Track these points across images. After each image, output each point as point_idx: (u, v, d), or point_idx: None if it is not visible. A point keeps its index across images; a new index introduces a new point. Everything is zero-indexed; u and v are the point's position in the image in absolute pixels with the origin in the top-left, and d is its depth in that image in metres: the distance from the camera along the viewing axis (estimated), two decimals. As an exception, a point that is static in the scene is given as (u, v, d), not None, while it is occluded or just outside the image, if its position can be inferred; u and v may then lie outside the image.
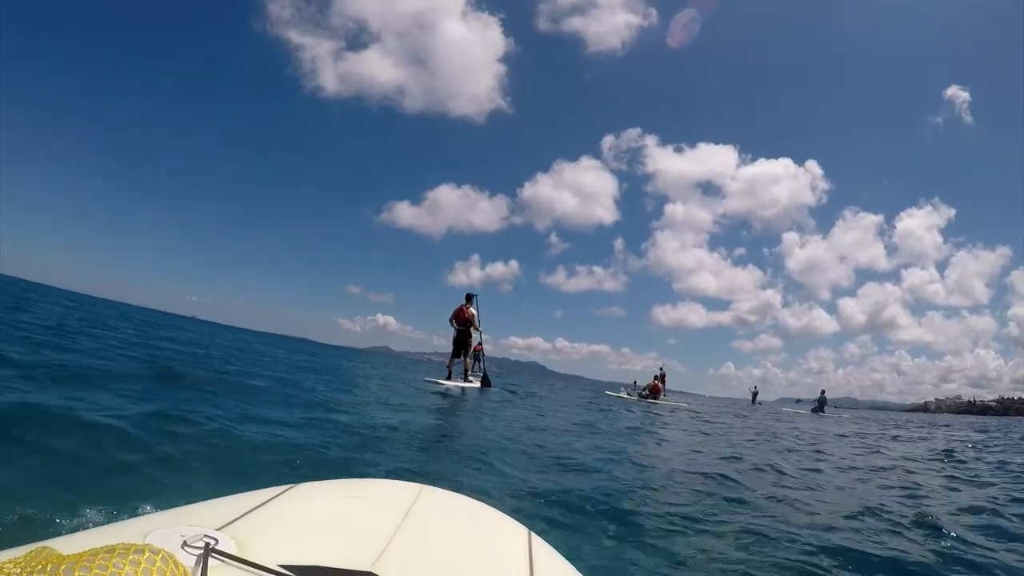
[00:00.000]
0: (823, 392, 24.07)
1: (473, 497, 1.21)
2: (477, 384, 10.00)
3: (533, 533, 1.05)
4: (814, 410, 23.27)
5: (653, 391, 16.69)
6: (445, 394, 7.65)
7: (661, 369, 17.42)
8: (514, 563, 0.91)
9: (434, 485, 1.20)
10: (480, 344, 11.79)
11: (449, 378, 9.54)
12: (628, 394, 17.07)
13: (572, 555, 1.09)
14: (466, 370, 10.01)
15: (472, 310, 9.62)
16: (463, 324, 9.57)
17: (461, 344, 9.65)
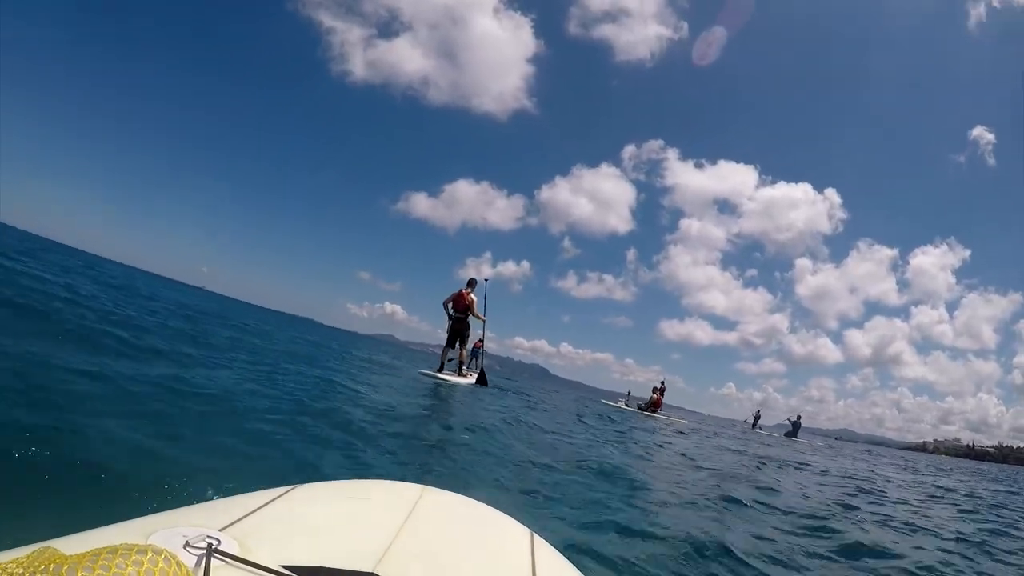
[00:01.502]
0: (798, 417, 23.79)
1: (475, 498, 1.21)
2: (472, 380, 9.20)
3: (535, 534, 1.05)
4: (787, 434, 23.18)
5: (655, 405, 16.10)
6: (436, 388, 7.10)
7: (662, 383, 16.79)
8: (517, 564, 0.90)
9: (433, 487, 1.21)
10: (482, 340, 10.90)
11: (441, 370, 8.83)
12: (627, 405, 16.51)
13: (575, 555, 1.09)
14: (461, 363, 9.13)
15: (474, 296, 8.75)
16: (462, 311, 8.74)
17: (458, 333, 8.82)
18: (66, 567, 0.46)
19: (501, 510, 1.16)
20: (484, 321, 9.23)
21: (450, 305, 8.78)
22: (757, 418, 26.05)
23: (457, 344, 8.86)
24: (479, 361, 11.55)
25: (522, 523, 1.11)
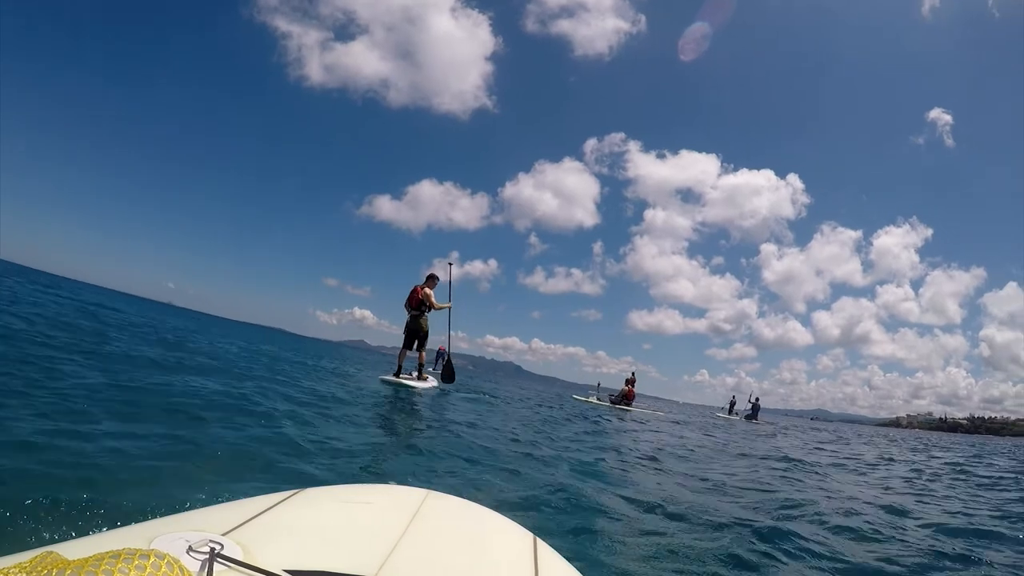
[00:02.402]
0: (757, 399, 23.76)
1: (478, 502, 1.21)
2: (433, 383, 8.57)
3: (538, 538, 1.05)
4: (747, 417, 23.08)
5: (627, 397, 15.75)
6: (395, 398, 6.37)
7: (632, 374, 16.32)
8: (520, 568, 0.90)
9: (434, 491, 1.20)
10: (446, 346, 9.92)
11: (398, 374, 8.19)
12: (598, 399, 16.07)
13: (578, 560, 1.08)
14: (420, 365, 8.50)
15: (428, 291, 8.14)
16: (416, 308, 8.17)
17: (414, 333, 8.19)
18: (68, 572, 0.46)
19: (505, 515, 1.15)
20: (449, 308, 8.55)
21: (407, 306, 8.30)
22: (732, 404, 25.96)
23: (415, 345, 8.27)
24: (441, 361, 10.50)
25: (526, 528, 1.11)
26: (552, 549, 1.03)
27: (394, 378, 8.02)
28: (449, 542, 0.98)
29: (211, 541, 0.71)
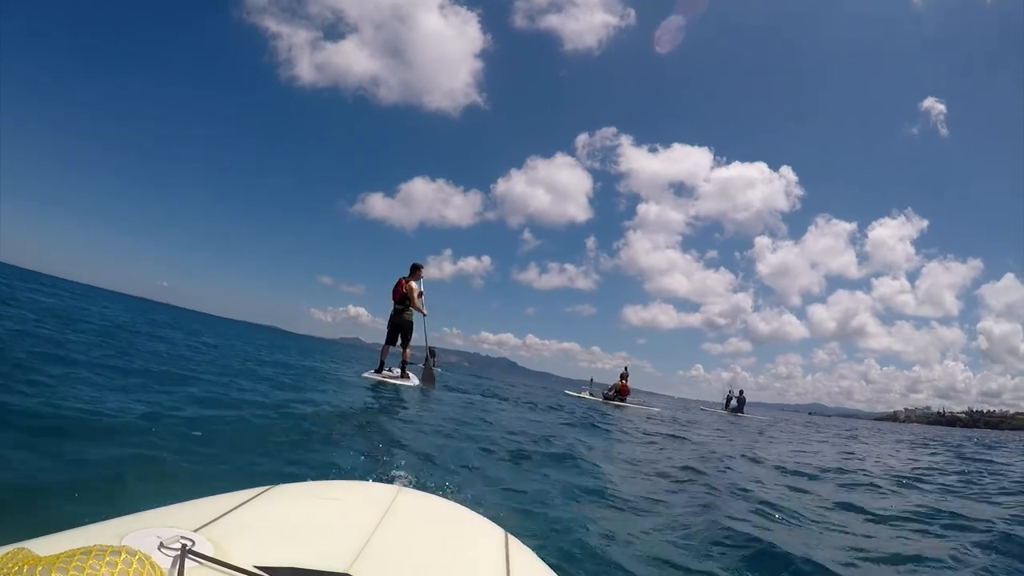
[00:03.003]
0: (741, 392, 23.86)
1: (450, 499, 1.23)
2: (415, 382, 8.04)
3: (510, 534, 1.07)
4: (733, 410, 23.23)
5: (621, 392, 15.47)
6: (376, 395, 6.08)
7: (625, 368, 16.02)
8: (491, 564, 0.92)
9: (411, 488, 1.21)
10: (431, 349, 9.53)
11: (380, 371, 7.87)
12: (591, 395, 15.72)
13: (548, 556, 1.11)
14: (404, 363, 8.05)
15: (413, 284, 7.73)
16: (399, 302, 7.80)
17: (397, 327, 7.81)
18: (40, 568, 0.46)
19: (476, 511, 1.17)
20: (424, 315, 7.93)
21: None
22: (729, 398, 25.95)
23: (399, 340, 7.85)
24: (432, 361, 9.53)
25: (497, 524, 1.13)
26: (523, 545, 1.05)
27: (375, 375, 7.70)
28: (421, 538, 0.99)
29: (182, 538, 0.72)
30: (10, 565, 0.48)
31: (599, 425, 7.36)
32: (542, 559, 1.03)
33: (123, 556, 0.50)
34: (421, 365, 8.75)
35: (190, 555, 0.67)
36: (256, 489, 1.03)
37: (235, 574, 0.66)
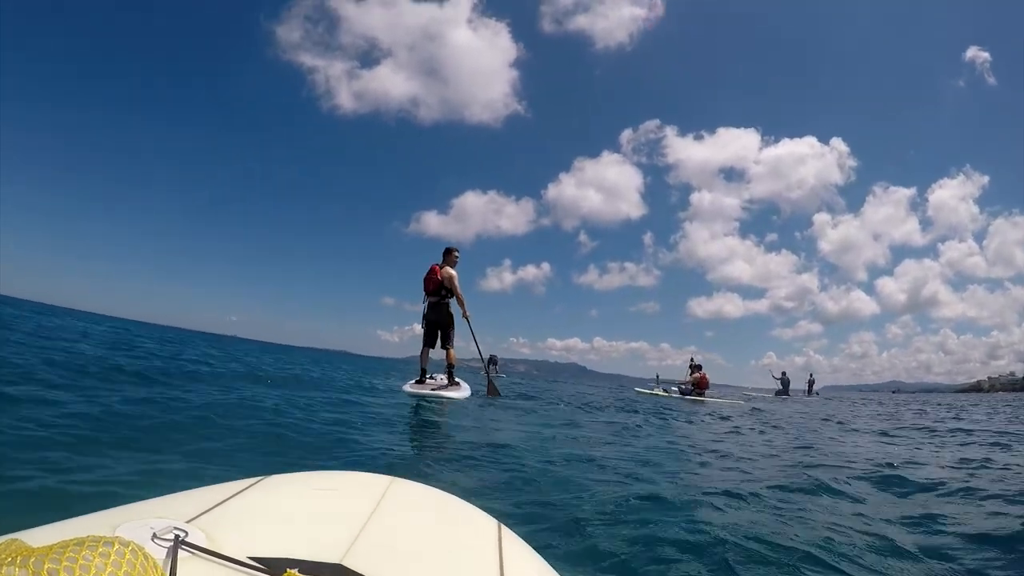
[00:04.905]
0: (784, 374, 23.46)
1: (443, 489, 1.23)
2: (467, 391, 6.56)
3: (503, 525, 1.07)
4: (778, 393, 22.60)
5: (699, 385, 14.03)
6: (416, 407, 5.11)
7: (691, 359, 14.71)
8: (484, 554, 0.92)
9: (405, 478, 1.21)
10: (491, 356, 8.25)
11: (422, 380, 6.48)
12: (664, 391, 14.35)
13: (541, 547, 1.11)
14: (450, 367, 6.61)
15: (449, 271, 6.37)
16: (434, 293, 6.40)
17: (435, 325, 6.42)
18: (33, 559, 0.46)
19: (470, 501, 1.18)
20: (467, 317, 6.48)
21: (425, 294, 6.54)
22: (811, 383, 24.74)
23: (440, 340, 6.46)
24: (495, 367, 8.53)
25: (490, 514, 1.14)
26: (517, 535, 1.05)
27: (417, 388, 6.27)
28: (414, 528, 0.99)
29: (175, 528, 0.72)
30: (3, 556, 0.48)
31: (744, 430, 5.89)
32: (536, 551, 1.04)
33: (116, 547, 0.50)
34: (483, 373, 7.36)
35: (183, 546, 0.67)
36: (249, 480, 1.03)
37: (228, 564, 0.67)
